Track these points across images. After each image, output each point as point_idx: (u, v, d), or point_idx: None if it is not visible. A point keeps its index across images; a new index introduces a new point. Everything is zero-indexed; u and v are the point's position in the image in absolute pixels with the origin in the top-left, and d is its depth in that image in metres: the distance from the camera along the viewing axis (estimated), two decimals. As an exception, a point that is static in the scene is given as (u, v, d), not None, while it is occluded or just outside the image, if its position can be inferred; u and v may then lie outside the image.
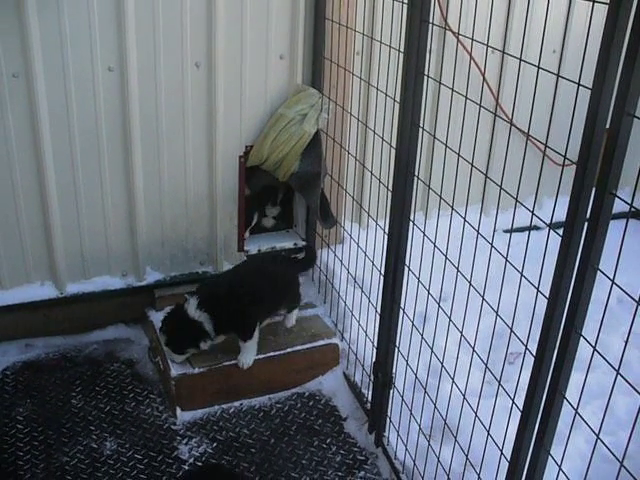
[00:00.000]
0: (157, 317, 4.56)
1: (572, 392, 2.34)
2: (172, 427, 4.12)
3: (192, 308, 4.09)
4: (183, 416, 4.19)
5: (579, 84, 2.02)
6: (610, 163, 1.88)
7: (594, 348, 2.13)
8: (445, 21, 4.42)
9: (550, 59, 4.80)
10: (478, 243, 2.75)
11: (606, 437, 2.24)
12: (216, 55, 4.34)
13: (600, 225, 1.96)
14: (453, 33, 3.65)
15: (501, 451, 2.77)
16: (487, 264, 2.70)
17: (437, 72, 3.38)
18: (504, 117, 3.15)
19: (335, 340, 4.49)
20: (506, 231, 3.66)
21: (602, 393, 3.25)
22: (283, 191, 5.22)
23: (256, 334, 4.21)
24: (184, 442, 4.01)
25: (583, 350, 2.24)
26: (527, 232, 2.51)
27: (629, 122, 1.82)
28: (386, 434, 3.90)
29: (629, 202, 1.92)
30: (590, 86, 1.92)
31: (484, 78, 3.84)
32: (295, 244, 5.18)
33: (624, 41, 1.82)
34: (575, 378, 2.31)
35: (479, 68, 4.15)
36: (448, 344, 3.29)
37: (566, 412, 2.38)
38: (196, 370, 4.16)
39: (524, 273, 2.48)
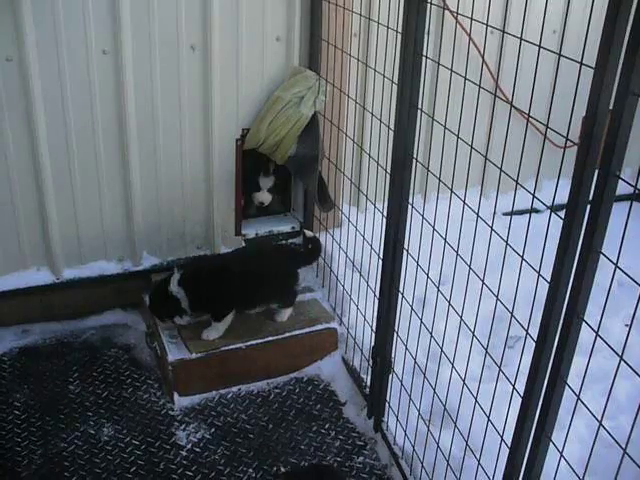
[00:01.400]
0: (155, 302, 4.56)
1: (572, 376, 2.31)
2: (170, 413, 4.10)
3: (174, 283, 4.18)
4: (181, 402, 4.16)
5: (582, 63, 1.98)
6: (613, 144, 1.84)
7: (597, 333, 2.10)
8: (444, 1, 4.36)
9: (550, 39, 4.76)
10: (478, 226, 2.71)
11: (607, 422, 2.21)
12: (212, 37, 4.30)
13: (603, 207, 1.92)
14: (452, 13, 3.60)
15: (501, 437, 2.75)
16: (487, 247, 2.67)
17: (435, 53, 3.34)
18: (504, 98, 3.12)
19: (334, 324, 4.46)
20: (506, 214, 3.66)
21: (603, 377, 3.23)
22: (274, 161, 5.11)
23: (228, 319, 4.22)
24: (182, 428, 3.99)
25: (583, 334, 2.21)
26: (527, 215, 2.47)
27: (634, 102, 1.78)
28: (385, 419, 3.88)
29: (633, 184, 1.88)
30: (592, 65, 1.88)
31: (483, 59, 3.79)
32: (293, 227, 5.16)
33: (628, 19, 1.78)
34: (575, 362, 2.28)
35: (478, 49, 4.10)
36: (447, 328, 3.26)
37: (566, 397, 2.36)
38: (194, 355, 4.14)
39: (525, 257, 2.45)
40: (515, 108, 2.53)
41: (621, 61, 1.80)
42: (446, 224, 3.02)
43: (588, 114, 1.89)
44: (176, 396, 4.16)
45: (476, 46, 3.95)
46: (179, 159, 4.59)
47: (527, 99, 2.34)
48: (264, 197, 5.12)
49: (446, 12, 3.76)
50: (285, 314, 4.42)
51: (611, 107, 1.87)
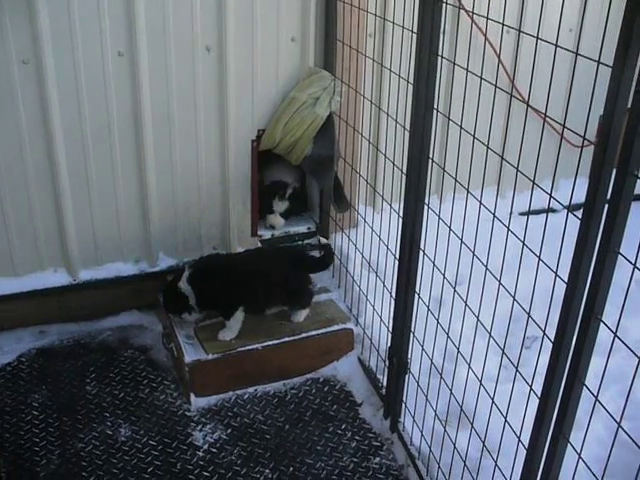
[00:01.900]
0: (170, 303, 4.59)
1: (590, 377, 2.30)
2: (186, 413, 4.10)
3: (183, 280, 4.24)
4: (197, 402, 4.17)
5: (599, 62, 1.97)
6: (631, 143, 1.82)
7: (615, 334, 2.09)
8: (459, 0, 4.35)
9: (567, 38, 4.74)
10: (494, 226, 2.70)
11: (625, 423, 2.20)
12: (227, 38, 4.30)
13: (621, 207, 1.91)
14: (467, 12, 3.59)
15: (519, 438, 2.74)
16: (504, 248, 2.66)
17: (451, 53, 3.33)
18: (520, 98, 3.11)
19: (350, 325, 4.46)
20: (522, 214, 3.64)
21: (620, 378, 3.22)
22: (292, 186, 5.16)
23: (238, 317, 4.24)
24: (198, 428, 3.99)
25: (601, 334, 2.20)
26: (543, 215, 2.46)
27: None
28: (401, 420, 3.87)
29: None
30: (610, 64, 1.87)
31: (499, 58, 3.78)
32: (309, 228, 5.16)
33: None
34: (593, 362, 2.27)
35: (494, 49, 4.08)
36: (464, 329, 3.25)
37: (584, 397, 2.34)
38: (210, 356, 4.15)
39: (542, 256, 2.44)
40: (532, 108, 2.53)
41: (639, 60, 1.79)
42: (462, 224, 3.01)
43: (605, 113, 1.88)
44: (193, 397, 4.16)
45: (492, 46, 3.93)
46: (195, 160, 4.60)
47: (543, 98, 2.33)
48: (276, 221, 5.16)
49: (461, 11, 3.76)
50: (301, 315, 4.41)
51: (629, 106, 1.85)
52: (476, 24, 4.29)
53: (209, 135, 4.56)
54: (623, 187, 1.88)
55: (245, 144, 4.65)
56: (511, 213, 2.83)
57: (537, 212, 3.31)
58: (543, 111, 2.34)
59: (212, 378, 4.19)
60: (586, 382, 2.29)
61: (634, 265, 1.95)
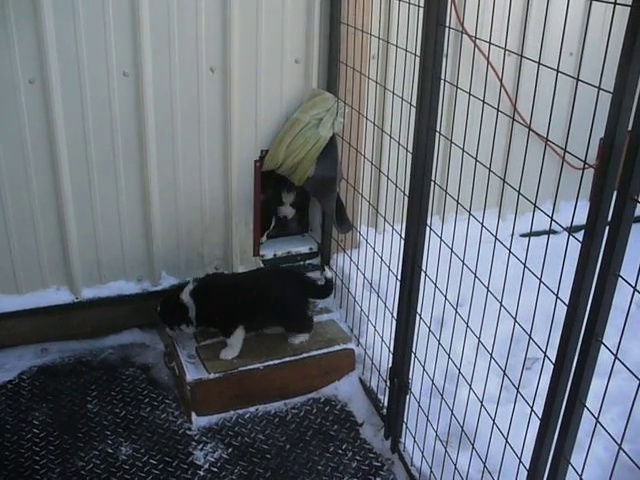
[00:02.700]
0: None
1: (590, 399, 2.31)
2: (187, 432, 4.10)
3: (186, 292, 4.29)
4: (198, 421, 4.17)
5: (599, 88, 2.00)
6: (632, 167, 1.85)
7: (615, 356, 2.10)
8: (462, 24, 4.40)
9: (567, 62, 4.77)
10: (495, 248, 2.72)
11: (626, 445, 2.21)
12: (231, 59, 4.34)
13: (621, 230, 1.93)
14: (469, 37, 3.62)
15: (519, 459, 2.74)
16: (505, 269, 2.67)
17: (453, 76, 3.36)
18: (522, 121, 3.14)
19: (351, 345, 4.46)
20: (523, 235, 3.66)
21: (621, 400, 3.22)
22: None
23: (238, 335, 4.27)
24: (199, 447, 3.99)
25: (601, 356, 2.21)
26: (544, 236, 2.48)
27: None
28: (402, 440, 3.87)
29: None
30: (610, 89, 1.90)
31: (501, 82, 3.81)
32: (310, 248, 5.18)
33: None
34: (593, 384, 2.28)
35: (496, 73, 4.12)
36: (465, 349, 3.27)
37: (585, 419, 2.35)
38: (212, 375, 4.15)
39: (542, 278, 2.46)
40: (533, 131, 2.55)
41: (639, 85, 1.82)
42: (464, 246, 3.03)
43: (606, 137, 1.91)
44: (194, 416, 4.17)
45: (494, 70, 3.97)
46: (198, 180, 4.63)
47: (544, 121, 2.36)
48: (287, 211, 5.23)
49: (463, 35, 3.79)
50: (298, 338, 4.41)
51: (629, 128, 1.88)
52: (478, 48, 4.33)
53: (212, 155, 4.59)
54: (623, 210, 1.90)
55: (248, 164, 4.68)
56: (512, 235, 2.84)
57: (538, 234, 3.33)
58: (544, 134, 2.36)
59: (213, 397, 4.19)
60: (587, 404, 2.30)
61: (634, 288, 1.97)
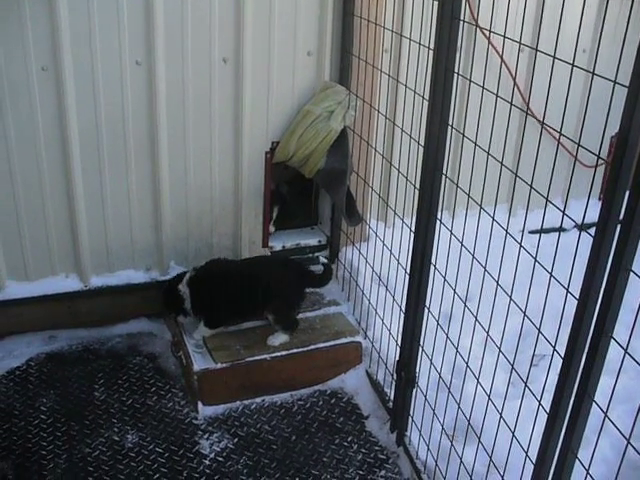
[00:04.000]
0: (180, 311, 4.63)
1: (597, 396, 2.31)
2: (193, 422, 4.12)
3: (183, 282, 4.35)
4: (205, 411, 4.19)
5: (615, 82, 1.99)
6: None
7: (625, 351, 2.10)
8: (475, 19, 4.39)
9: (580, 58, 4.76)
10: (505, 243, 2.72)
11: (633, 442, 2.21)
12: (244, 51, 4.35)
13: (634, 227, 1.93)
14: (482, 31, 3.62)
15: (526, 453, 2.75)
16: (515, 264, 2.67)
17: (466, 70, 3.35)
18: (534, 116, 3.13)
19: (358, 338, 4.47)
20: (532, 232, 3.65)
21: (629, 397, 3.22)
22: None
23: (214, 331, 4.40)
24: (205, 437, 4.01)
25: (609, 353, 2.21)
26: (553, 233, 2.49)
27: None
28: (408, 433, 3.88)
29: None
30: (625, 83, 1.90)
31: (514, 77, 3.80)
32: (319, 241, 5.18)
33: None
34: (601, 381, 2.29)
35: (508, 69, 4.11)
36: (473, 344, 3.27)
37: (591, 415, 2.36)
38: (218, 365, 4.17)
39: (552, 274, 2.46)
40: (546, 128, 2.54)
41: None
42: (474, 240, 3.03)
43: (621, 133, 1.90)
44: (200, 405, 4.18)
45: (506, 65, 3.96)
46: (209, 171, 4.64)
47: (557, 117, 2.35)
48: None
49: (477, 29, 3.78)
50: (278, 339, 4.38)
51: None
52: (491, 43, 4.33)
53: (223, 145, 4.60)
54: (636, 207, 1.90)
55: (259, 156, 4.68)
56: (523, 230, 2.84)
57: (547, 231, 3.33)
58: (557, 130, 2.36)
59: (220, 387, 4.21)
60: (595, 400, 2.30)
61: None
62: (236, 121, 4.54)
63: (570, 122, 2.63)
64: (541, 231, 2.94)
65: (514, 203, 4.40)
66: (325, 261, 4.55)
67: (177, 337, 4.51)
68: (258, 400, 4.31)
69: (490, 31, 2.84)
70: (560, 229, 2.47)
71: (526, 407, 2.77)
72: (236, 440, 4.00)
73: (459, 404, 3.35)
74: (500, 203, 2.93)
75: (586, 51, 4.83)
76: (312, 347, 4.37)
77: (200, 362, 4.20)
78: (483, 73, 2.82)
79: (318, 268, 4.61)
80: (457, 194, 3.27)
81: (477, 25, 3.60)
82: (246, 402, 4.28)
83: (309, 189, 5.22)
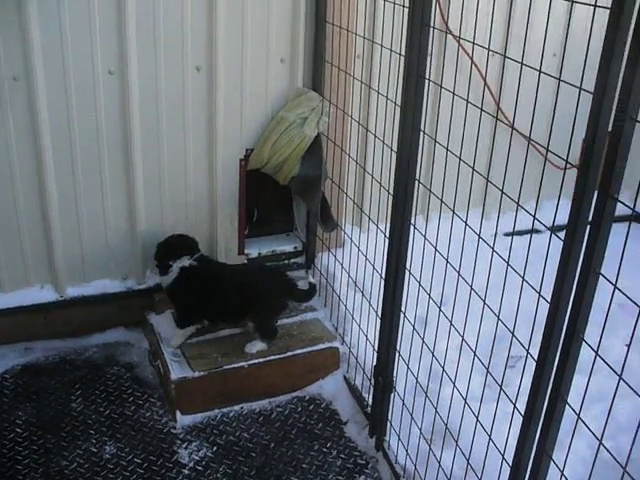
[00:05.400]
0: (157, 320, 4.66)
1: (572, 396, 2.33)
2: (172, 431, 4.10)
3: (178, 263, 4.36)
4: (183, 420, 4.17)
5: (581, 88, 2.02)
6: (612, 167, 1.87)
7: (596, 353, 2.13)
8: (446, 25, 4.41)
9: (551, 62, 4.80)
10: (479, 247, 2.74)
11: (607, 442, 2.23)
12: (217, 58, 4.35)
13: (602, 229, 1.95)
14: (454, 37, 3.64)
15: (502, 455, 2.76)
16: (488, 268, 2.69)
17: (438, 75, 3.38)
18: (505, 121, 3.15)
19: (336, 344, 4.48)
20: (507, 234, 3.67)
21: (602, 397, 3.23)
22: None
23: (188, 330, 4.42)
24: (184, 446, 3.99)
25: (582, 354, 2.23)
26: (527, 235, 2.50)
27: (631, 126, 1.82)
28: (387, 438, 3.89)
29: (631, 206, 1.91)
30: (591, 90, 1.92)
31: (485, 83, 3.83)
32: (295, 247, 5.19)
33: (626, 44, 1.82)
34: (574, 382, 2.31)
35: (480, 72, 4.14)
36: (449, 348, 3.28)
37: (566, 417, 2.38)
38: (196, 374, 4.15)
39: (525, 277, 2.48)
40: (517, 131, 2.57)
41: (619, 85, 1.84)
42: (448, 245, 3.04)
43: (587, 137, 1.93)
44: (178, 414, 4.17)
45: (478, 70, 3.99)
46: (183, 179, 4.63)
47: (528, 121, 2.38)
48: None
49: (448, 35, 3.81)
50: (256, 347, 4.36)
51: (610, 129, 1.90)
52: (463, 48, 4.35)
53: (198, 153, 4.59)
54: (604, 210, 1.92)
55: (233, 163, 4.68)
56: (496, 234, 2.86)
57: (521, 233, 3.35)
58: (527, 134, 2.38)
59: (198, 396, 4.19)
60: (569, 401, 2.32)
61: (615, 286, 1.99)
62: (210, 129, 4.54)
63: (542, 126, 2.65)
64: (513, 234, 2.98)
65: (487, 207, 4.43)
66: (313, 281, 4.56)
67: (154, 346, 4.49)
68: (237, 408, 4.30)
69: (460, 38, 2.86)
70: (532, 231, 2.49)
71: (502, 410, 2.78)
72: (215, 448, 3.99)
73: (436, 408, 3.36)
74: (474, 207, 2.94)
75: (556, 55, 4.86)
76: (290, 354, 4.36)
77: (178, 371, 4.19)
78: (454, 79, 2.84)
79: (303, 283, 4.62)
80: (430, 199, 3.28)
81: (448, 31, 3.63)
82: (224, 410, 4.27)
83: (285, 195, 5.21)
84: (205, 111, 4.49)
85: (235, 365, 4.24)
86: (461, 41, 3.06)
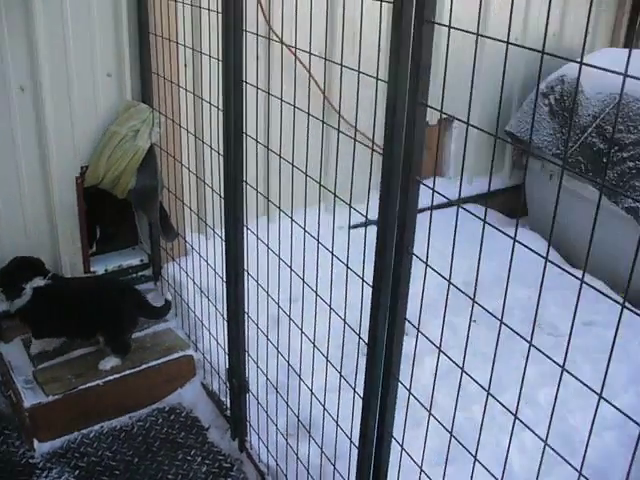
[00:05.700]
0: (6, 349, 4.51)
1: (427, 377, 2.43)
2: (30, 461, 3.99)
3: (30, 285, 4.27)
4: (41, 448, 4.07)
5: (377, 79, 2.13)
6: (410, 151, 1.99)
7: (418, 329, 2.24)
8: (269, 25, 4.50)
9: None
10: (320, 242, 2.81)
11: (460, 413, 2.35)
12: (41, 77, 4.28)
13: (409, 211, 2.07)
14: (278, 37, 3.72)
15: (350, 439, 2.85)
16: (330, 262, 2.74)
17: (266, 78, 3.44)
18: (333, 126, 3.25)
19: (189, 351, 4.49)
20: (355, 226, 3.78)
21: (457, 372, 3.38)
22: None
23: (47, 340, 4.40)
24: (44, 475, 3.89)
25: (437, 332, 2.30)
26: (372, 227, 2.59)
27: (422, 111, 1.94)
28: (248, 438, 3.93)
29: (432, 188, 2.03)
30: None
31: (310, 82, 3.92)
32: (141, 260, 5.15)
33: (410, 40, 1.94)
34: (429, 361, 2.41)
35: (311, 75, 4.22)
36: (303, 344, 3.33)
37: (426, 396, 2.46)
38: (50, 398, 4.07)
39: (366, 267, 2.55)
40: (342, 132, 2.64)
41: (408, 75, 1.96)
42: (290, 243, 3.08)
43: (386, 126, 2.04)
44: (36, 442, 4.07)
45: (304, 66, 4.07)
46: (18, 202, 4.52)
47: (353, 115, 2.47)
48: None
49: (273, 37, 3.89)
50: (109, 362, 4.32)
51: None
52: (288, 47, 4.43)
53: (31, 175, 4.50)
54: (408, 194, 2.03)
55: (69, 181, 4.61)
56: (333, 230, 2.91)
57: (357, 226, 3.46)
58: (358, 131, 2.48)
59: (55, 420, 4.11)
60: (425, 380, 2.43)
61: (426, 264, 2.11)
62: (41, 149, 4.46)
63: (368, 118, 2.73)
64: (349, 228, 3.06)
65: (325, 203, 4.57)
66: (169, 298, 4.55)
67: (5, 376, 4.36)
68: (97, 427, 4.24)
69: (282, 42, 2.94)
70: (366, 223, 2.55)
71: (356, 398, 2.85)
72: (77, 472, 3.92)
73: (288, 403, 3.43)
74: (313, 205, 3.00)
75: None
76: (144, 366, 4.34)
77: (30, 398, 4.09)
78: (280, 82, 2.91)
79: (153, 296, 4.64)
80: (269, 200, 3.33)
81: (271, 31, 3.71)
82: (84, 431, 4.20)
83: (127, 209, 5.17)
84: (34, 132, 4.40)
85: (90, 384, 4.17)
86: (286, 42, 3.14)
